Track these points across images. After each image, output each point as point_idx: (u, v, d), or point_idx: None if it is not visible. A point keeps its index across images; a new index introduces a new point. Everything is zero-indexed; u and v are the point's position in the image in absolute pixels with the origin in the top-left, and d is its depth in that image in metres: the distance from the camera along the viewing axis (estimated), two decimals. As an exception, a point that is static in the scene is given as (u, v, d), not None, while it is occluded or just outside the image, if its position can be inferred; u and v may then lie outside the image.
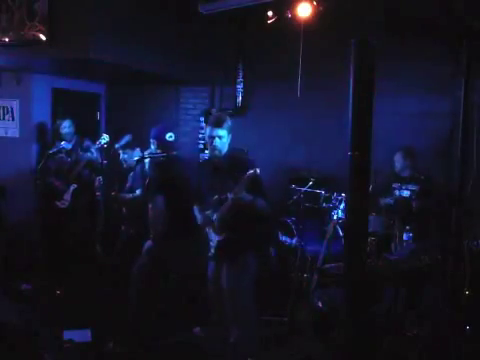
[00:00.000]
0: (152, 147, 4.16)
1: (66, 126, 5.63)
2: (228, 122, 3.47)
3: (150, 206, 4.02)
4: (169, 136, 4.09)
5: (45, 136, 6.39)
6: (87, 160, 5.51)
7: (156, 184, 3.98)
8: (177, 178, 4.01)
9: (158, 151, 4.09)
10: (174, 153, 4.08)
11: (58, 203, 5.54)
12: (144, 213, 4.19)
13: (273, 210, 3.57)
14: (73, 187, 5.54)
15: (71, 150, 5.63)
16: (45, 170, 5.30)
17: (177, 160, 4.14)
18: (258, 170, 3.55)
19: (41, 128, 6.34)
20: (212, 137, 3.43)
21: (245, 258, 3.44)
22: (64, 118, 5.72)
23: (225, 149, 3.47)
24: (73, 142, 5.67)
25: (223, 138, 3.43)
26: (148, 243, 4.07)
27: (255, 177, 3.28)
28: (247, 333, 3.42)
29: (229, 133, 3.47)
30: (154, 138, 4.14)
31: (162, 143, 4.08)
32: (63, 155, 5.58)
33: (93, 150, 4.99)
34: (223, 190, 3.37)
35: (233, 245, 3.42)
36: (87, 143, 5.73)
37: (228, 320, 3.48)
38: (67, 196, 5.53)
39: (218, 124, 3.43)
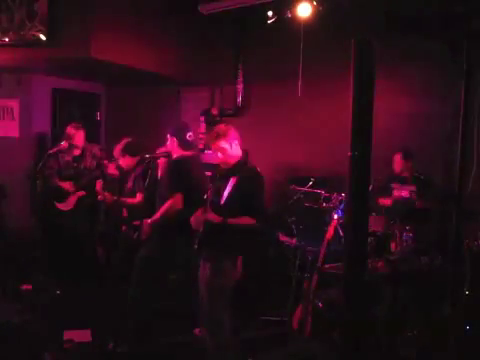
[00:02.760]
0: (169, 144, 4.11)
1: (80, 139, 5.43)
2: (225, 133, 3.40)
3: (159, 201, 4.02)
4: (189, 135, 4.09)
5: (45, 136, 6.41)
6: (99, 176, 5.23)
7: (177, 182, 3.95)
8: (195, 178, 4.00)
9: (177, 149, 4.06)
10: (193, 153, 4.09)
11: (60, 205, 5.45)
12: (144, 214, 4.20)
13: (270, 215, 3.55)
14: (81, 194, 5.42)
15: (80, 157, 5.49)
16: (45, 170, 5.28)
17: (196, 160, 4.16)
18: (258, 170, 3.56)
19: (41, 128, 6.34)
20: (214, 151, 3.47)
21: (221, 262, 3.38)
22: (78, 127, 5.45)
23: (233, 159, 3.44)
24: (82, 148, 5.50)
25: (225, 150, 3.40)
26: (150, 243, 4.07)
27: (244, 184, 3.31)
28: (215, 340, 3.36)
29: (232, 142, 3.41)
30: (174, 135, 4.07)
31: (182, 141, 4.05)
32: (70, 159, 5.45)
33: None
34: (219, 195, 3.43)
35: (210, 245, 3.40)
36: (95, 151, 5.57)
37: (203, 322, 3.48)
38: (73, 200, 5.40)
39: (212, 139, 3.43)
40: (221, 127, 3.50)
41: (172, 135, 4.09)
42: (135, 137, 4.88)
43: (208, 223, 3.36)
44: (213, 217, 3.32)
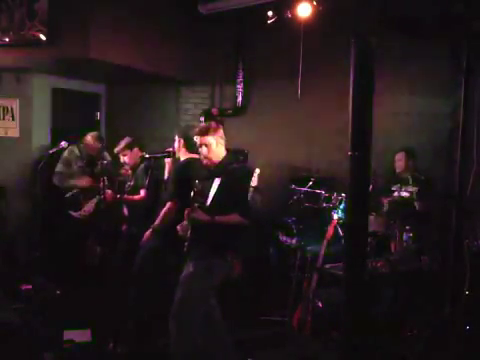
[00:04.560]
0: (175, 145, 4.14)
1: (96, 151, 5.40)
2: (215, 130, 3.53)
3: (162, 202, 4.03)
4: (196, 137, 4.12)
5: (45, 136, 6.40)
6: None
7: (177, 187, 3.95)
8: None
9: (183, 150, 4.09)
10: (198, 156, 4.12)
11: (75, 214, 5.34)
12: (145, 212, 4.19)
13: (267, 213, 3.57)
14: (97, 199, 5.28)
15: (93, 162, 5.37)
16: (45, 171, 5.26)
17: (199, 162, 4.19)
18: (257, 171, 3.57)
19: (41, 128, 6.33)
20: (199, 146, 3.56)
21: (208, 261, 3.41)
22: (101, 141, 5.45)
23: (216, 157, 3.55)
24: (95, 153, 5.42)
25: (210, 146, 3.51)
26: (149, 242, 4.07)
27: (228, 184, 3.41)
28: (180, 336, 3.31)
29: (218, 141, 3.53)
30: (182, 137, 4.10)
31: (188, 142, 4.07)
32: (83, 164, 5.40)
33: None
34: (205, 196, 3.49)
35: (197, 244, 3.45)
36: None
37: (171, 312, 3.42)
38: (89, 207, 5.33)
39: (201, 133, 3.55)
40: (212, 123, 3.63)
41: (179, 136, 4.12)
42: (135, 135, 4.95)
43: (195, 223, 3.40)
44: (200, 215, 3.37)
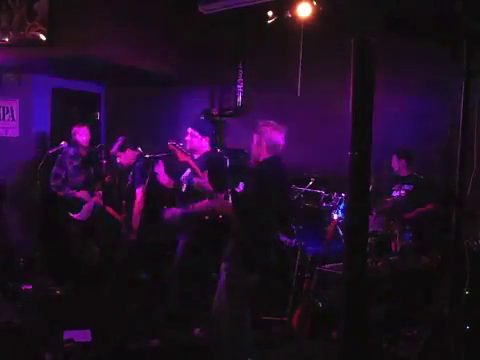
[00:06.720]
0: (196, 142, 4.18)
1: (83, 134, 5.32)
2: (261, 131, 3.52)
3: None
4: None
5: (45, 136, 6.40)
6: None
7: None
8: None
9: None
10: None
11: (74, 215, 5.27)
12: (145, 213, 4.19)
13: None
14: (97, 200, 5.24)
15: (87, 159, 5.37)
16: (47, 174, 5.25)
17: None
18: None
19: (41, 128, 6.33)
20: None
21: (228, 263, 3.49)
22: (82, 124, 5.38)
23: (255, 155, 3.56)
24: (89, 150, 5.37)
25: (253, 143, 3.55)
26: (186, 240, 4.11)
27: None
28: (230, 342, 3.44)
29: (261, 141, 3.51)
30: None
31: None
32: (78, 164, 5.35)
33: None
34: None
35: (226, 247, 3.54)
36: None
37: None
38: (88, 207, 5.28)
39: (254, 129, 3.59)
40: (262, 123, 3.60)
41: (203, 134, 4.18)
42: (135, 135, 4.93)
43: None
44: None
